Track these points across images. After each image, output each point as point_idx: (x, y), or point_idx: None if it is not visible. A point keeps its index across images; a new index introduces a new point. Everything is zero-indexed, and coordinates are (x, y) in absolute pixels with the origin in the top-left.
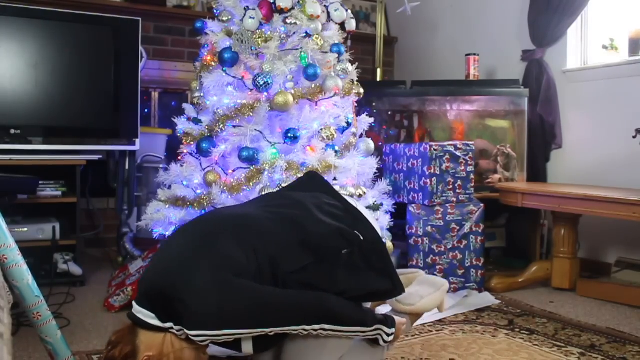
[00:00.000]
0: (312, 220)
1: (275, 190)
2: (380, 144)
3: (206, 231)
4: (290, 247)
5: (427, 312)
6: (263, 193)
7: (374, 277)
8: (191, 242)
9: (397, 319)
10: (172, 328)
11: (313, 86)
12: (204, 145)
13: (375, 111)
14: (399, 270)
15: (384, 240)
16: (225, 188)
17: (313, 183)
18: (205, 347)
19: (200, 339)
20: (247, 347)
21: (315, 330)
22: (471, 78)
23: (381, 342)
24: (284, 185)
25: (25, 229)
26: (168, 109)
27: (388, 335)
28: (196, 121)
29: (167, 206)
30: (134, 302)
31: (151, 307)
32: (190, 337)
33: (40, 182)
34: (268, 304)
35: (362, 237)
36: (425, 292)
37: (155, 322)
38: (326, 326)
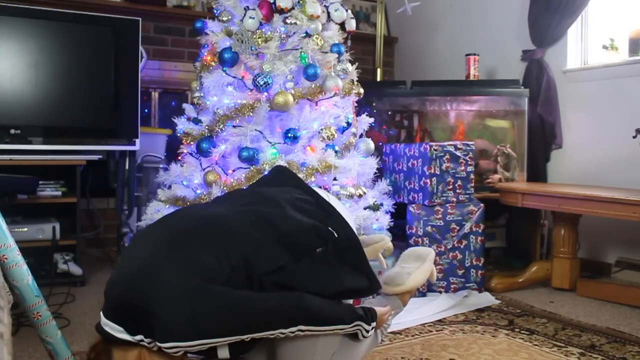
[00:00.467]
0: (285, 217)
1: (243, 187)
2: (381, 143)
3: (173, 233)
4: (264, 247)
5: (419, 286)
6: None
7: (349, 275)
8: (157, 245)
9: (378, 309)
10: (142, 340)
11: (313, 86)
12: (204, 145)
13: (375, 111)
14: (361, 238)
15: (357, 234)
16: (225, 188)
17: (282, 177)
18: (182, 358)
19: (173, 351)
20: (223, 353)
21: (293, 332)
22: (471, 78)
23: (360, 337)
24: None
25: (25, 229)
26: (168, 109)
27: (367, 331)
28: (196, 121)
29: (167, 206)
30: (101, 314)
31: (118, 319)
32: (162, 349)
33: (40, 182)
34: (243, 309)
35: (336, 234)
36: (411, 268)
37: (125, 335)
38: (303, 327)
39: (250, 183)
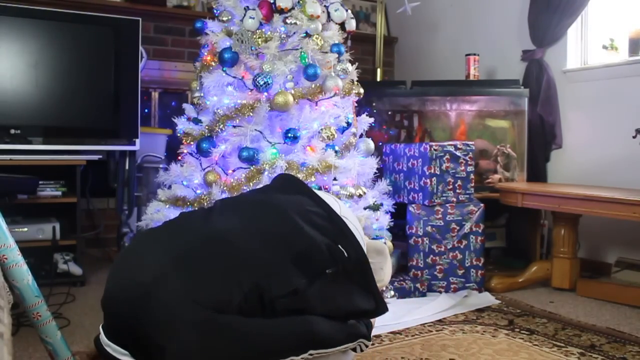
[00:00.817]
0: (299, 234)
1: (251, 192)
2: (381, 143)
3: (180, 251)
4: (278, 271)
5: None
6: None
7: (357, 296)
8: (162, 265)
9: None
10: None
11: (313, 86)
12: (204, 145)
13: (375, 111)
14: None
15: (365, 253)
16: (225, 188)
17: (292, 185)
18: None
19: None
20: None
21: (303, 358)
22: (471, 78)
23: (358, 351)
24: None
25: (25, 229)
26: (168, 109)
27: (367, 346)
28: (196, 121)
29: (167, 206)
30: (101, 330)
31: (121, 343)
32: None
33: (40, 182)
34: (254, 340)
35: (346, 254)
36: (380, 262)
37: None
38: (313, 351)
39: (259, 188)
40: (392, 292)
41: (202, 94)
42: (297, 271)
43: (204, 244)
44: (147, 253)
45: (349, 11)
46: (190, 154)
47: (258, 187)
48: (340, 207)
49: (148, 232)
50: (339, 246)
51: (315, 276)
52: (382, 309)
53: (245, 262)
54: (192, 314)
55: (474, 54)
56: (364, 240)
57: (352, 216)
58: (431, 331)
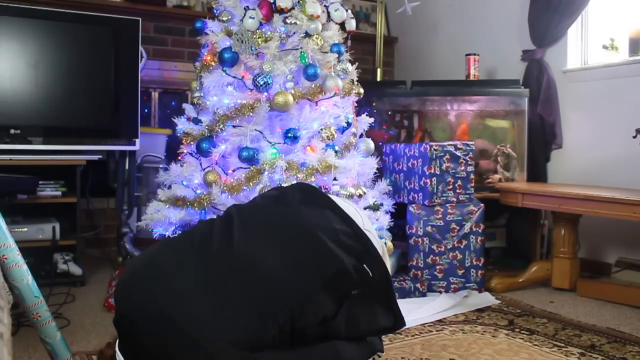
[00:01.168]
0: (328, 258)
1: (270, 200)
2: (381, 143)
3: (213, 282)
4: (310, 297)
5: None
6: (262, 194)
7: (379, 315)
8: (196, 297)
9: None
10: None
11: (313, 86)
12: (204, 145)
13: (375, 111)
14: None
15: (388, 269)
16: (225, 188)
17: (314, 198)
18: None
19: None
20: None
21: None
22: (471, 78)
23: None
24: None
25: (25, 229)
26: (168, 109)
27: (379, 357)
28: (196, 121)
29: (167, 206)
30: (117, 351)
31: None
32: None
33: (40, 182)
34: None
35: (370, 274)
36: None
37: None
38: None
39: (275, 194)
40: None
41: (202, 94)
42: (328, 297)
43: (235, 274)
44: (172, 276)
45: (349, 11)
46: (190, 154)
47: (273, 192)
48: (363, 220)
49: (169, 245)
50: (364, 266)
51: (343, 299)
52: (400, 324)
53: (279, 293)
54: (225, 356)
55: (474, 54)
56: (385, 252)
57: (372, 227)
58: (431, 331)
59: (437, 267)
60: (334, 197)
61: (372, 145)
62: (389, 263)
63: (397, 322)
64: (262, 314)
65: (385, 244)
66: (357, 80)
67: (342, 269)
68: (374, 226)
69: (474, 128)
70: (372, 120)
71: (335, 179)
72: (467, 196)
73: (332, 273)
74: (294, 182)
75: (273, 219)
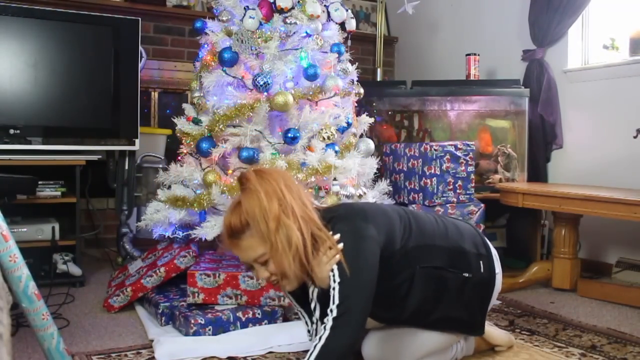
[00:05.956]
0: (460, 239)
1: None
2: (380, 142)
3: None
4: (435, 248)
5: None
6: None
7: (475, 307)
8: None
9: None
10: None
11: (313, 86)
12: (204, 145)
13: (375, 111)
14: None
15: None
16: (225, 188)
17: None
18: None
19: None
20: None
21: None
22: (471, 78)
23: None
24: None
25: (25, 229)
26: (168, 109)
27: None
28: (196, 121)
29: (167, 206)
30: None
31: None
32: None
33: (40, 182)
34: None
35: (482, 269)
36: None
37: None
38: None
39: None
40: None
41: (202, 94)
42: (445, 257)
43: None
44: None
45: (349, 11)
46: (190, 154)
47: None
48: (492, 249)
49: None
50: (481, 262)
51: (452, 272)
52: (479, 329)
53: (424, 233)
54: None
55: (474, 54)
56: (501, 278)
57: (495, 252)
58: None
59: None
60: None
61: (372, 145)
62: (496, 294)
63: (480, 326)
64: (403, 229)
65: None
66: (357, 80)
67: (462, 249)
68: None
69: (474, 128)
70: (372, 120)
71: (335, 179)
72: (468, 196)
73: (457, 247)
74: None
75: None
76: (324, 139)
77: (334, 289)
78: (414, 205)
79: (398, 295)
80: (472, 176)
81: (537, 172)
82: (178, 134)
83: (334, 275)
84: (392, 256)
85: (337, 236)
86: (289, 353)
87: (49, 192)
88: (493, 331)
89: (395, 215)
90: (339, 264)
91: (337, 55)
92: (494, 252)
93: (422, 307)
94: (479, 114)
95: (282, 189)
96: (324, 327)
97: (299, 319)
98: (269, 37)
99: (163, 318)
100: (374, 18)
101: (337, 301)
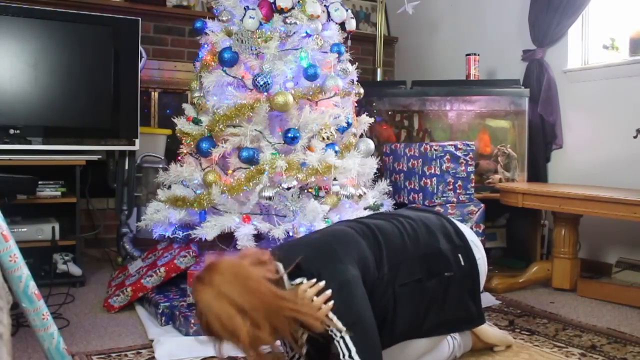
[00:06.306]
0: (433, 238)
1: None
2: (379, 142)
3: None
4: (409, 261)
5: None
6: (264, 194)
7: (469, 302)
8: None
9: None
10: None
11: (313, 86)
12: (204, 145)
13: (375, 111)
14: None
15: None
16: (225, 188)
17: (424, 210)
18: None
19: None
20: None
21: None
22: (471, 78)
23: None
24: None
25: (25, 229)
26: (168, 109)
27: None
28: (196, 121)
29: (167, 206)
30: None
31: None
32: None
33: (40, 182)
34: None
35: (463, 263)
36: None
37: None
38: None
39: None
40: None
41: (202, 94)
42: (422, 266)
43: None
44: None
45: (349, 11)
46: (190, 154)
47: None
48: (472, 234)
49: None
50: (459, 255)
51: (434, 276)
52: (480, 319)
53: (390, 247)
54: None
55: (474, 54)
56: (484, 261)
57: (477, 240)
58: None
59: None
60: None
61: (372, 145)
62: (484, 277)
63: (479, 315)
64: (375, 254)
65: None
66: (357, 80)
67: (437, 250)
68: None
69: (474, 128)
70: (372, 120)
71: (335, 179)
72: (468, 196)
73: (430, 251)
74: (294, 182)
75: (397, 215)
76: (323, 139)
77: (342, 338)
78: (414, 206)
79: (387, 319)
80: (472, 176)
81: (537, 172)
82: (178, 134)
83: (336, 327)
84: (371, 284)
85: (322, 283)
86: None
87: (49, 192)
88: (488, 329)
89: (362, 241)
90: (335, 314)
91: (337, 55)
92: (469, 234)
93: (414, 322)
94: (478, 114)
95: (228, 290)
96: None
97: None
98: (269, 37)
99: (163, 318)
100: (374, 18)
101: (352, 349)
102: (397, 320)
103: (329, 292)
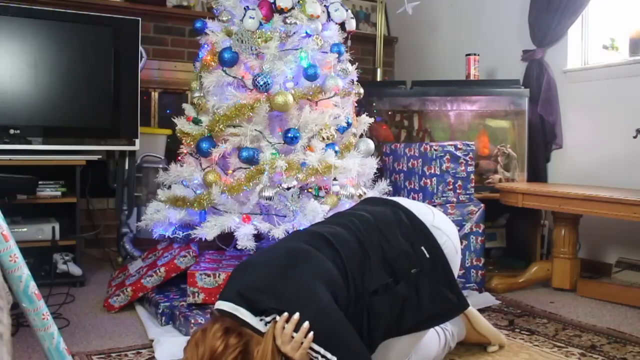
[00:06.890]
0: (391, 236)
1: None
2: (379, 142)
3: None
4: (372, 267)
5: None
6: (264, 194)
7: (445, 293)
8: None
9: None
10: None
11: (313, 86)
12: (204, 145)
13: (375, 111)
14: None
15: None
16: (225, 188)
17: (378, 200)
18: None
19: None
20: None
21: None
22: (471, 78)
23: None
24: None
25: (25, 229)
26: (168, 109)
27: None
28: (196, 121)
29: (167, 206)
30: None
31: None
32: None
33: (40, 182)
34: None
35: (427, 255)
36: None
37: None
38: None
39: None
40: None
41: (202, 94)
42: (387, 269)
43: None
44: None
45: (349, 11)
46: (190, 154)
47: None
48: (435, 216)
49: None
50: (422, 248)
51: (401, 277)
52: (463, 303)
53: (348, 253)
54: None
55: (474, 54)
56: (458, 245)
57: (445, 222)
58: None
59: None
60: (403, 200)
61: (372, 145)
62: (458, 255)
63: (460, 301)
64: (339, 267)
65: None
66: (357, 80)
67: (398, 248)
68: None
69: (474, 128)
70: (372, 120)
71: (335, 179)
72: (467, 196)
73: (390, 251)
74: (294, 182)
75: (350, 216)
76: (323, 139)
77: None
78: None
79: (363, 330)
80: (472, 176)
81: (537, 172)
82: (178, 134)
83: (325, 357)
84: (344, 301)
85: (296, 316)
86: None
87: (49, 192)
88: (480, 316)
89: (322, 257)
90: (319, 345)
91: (337, 56)
92: (429, 218)
93: (392, 328)
94: (478, 114)
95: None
96: None
97: None
98: (269, 37)
99: (163, 318)
100: (374, 18)
101: None
102: (373, 330)
103: (306, 324)
